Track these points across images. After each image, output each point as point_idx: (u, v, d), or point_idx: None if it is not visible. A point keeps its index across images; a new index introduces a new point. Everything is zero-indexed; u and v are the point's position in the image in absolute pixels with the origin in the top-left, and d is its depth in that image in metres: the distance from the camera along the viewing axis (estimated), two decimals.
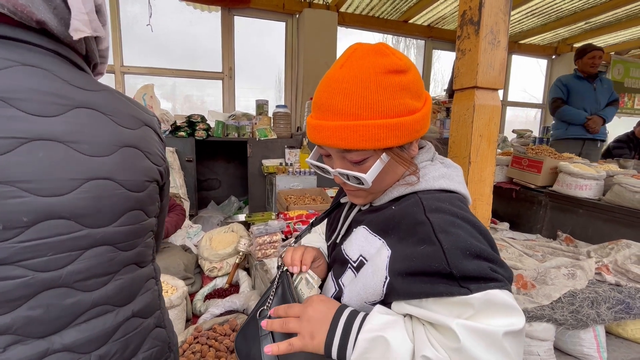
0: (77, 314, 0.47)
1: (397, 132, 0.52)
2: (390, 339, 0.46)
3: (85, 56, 0.53)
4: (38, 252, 0.43)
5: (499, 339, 0.41)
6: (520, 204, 2.59)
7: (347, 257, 0.60)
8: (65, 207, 0.44)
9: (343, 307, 0.53)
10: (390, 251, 0.52)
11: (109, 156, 0.48)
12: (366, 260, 0.56)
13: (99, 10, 0.51)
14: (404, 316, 0.51)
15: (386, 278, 0.50)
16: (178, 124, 2.82)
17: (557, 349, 1.33)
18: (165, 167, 0.61)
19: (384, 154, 0.54)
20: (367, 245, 0.57)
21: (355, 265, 0.58)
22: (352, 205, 0.69)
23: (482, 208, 0.84)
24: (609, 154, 4.03)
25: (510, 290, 0.45)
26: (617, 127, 4.94)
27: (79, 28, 0.45)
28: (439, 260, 0.45)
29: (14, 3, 0.42)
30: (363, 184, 0.54)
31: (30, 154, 0.41)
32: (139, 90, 2.78)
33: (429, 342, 0.44)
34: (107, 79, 3.20)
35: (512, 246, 1.86)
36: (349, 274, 0.59)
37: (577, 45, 4.52)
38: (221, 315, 1.41)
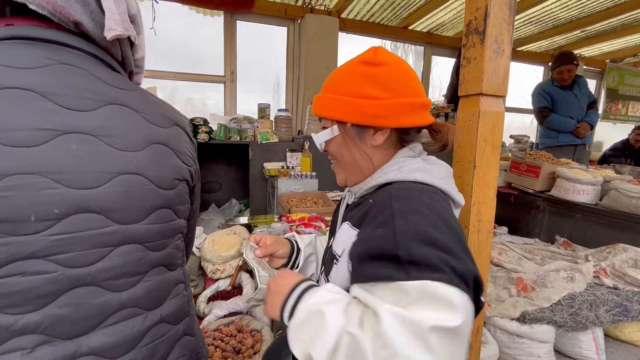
0: (106, 314, 0.47)
1: (347, 108, 0.61)
2: (327, 313, 0.46)
3: (121, 62, 0.55)
4: (68, 247, 0.43)
5: (423, 332, 0.38)
6: (518, 209, 2.63)
7: (334, 253, 0.64)
8: (96, 201, 0.44)
9: (301, 282, 0.54)
10: (355, 238, 0.56)
11: (140, 151, 0.48)
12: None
13: (133, 20, 0.53)
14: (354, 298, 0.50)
15: (349, 263, 0.55)
16: None
17: (556, 351, 1.35)
18: (196, 169, 0.61)
19: (335, 125, 0.65)
20: (347, 240, 0.59)
21: (339, 260, 0.62)
22: (346, 205, 0.74)
23: (486, 212, 0.86)
24: (605, 160, 4.09)
25: (458, 287, 0.41)
26: (613, 134, 5.02)
27: (112, 27, 0.47)
28: (389, 242, 0.45)
29: (54, 4, 0.44)
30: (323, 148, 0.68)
31: (64, 146, 0.42)
32: None
33: (358, 321, 0.43)
34: None
35: (512, 250, 1.89)
36: (334, 269, 0.63)
37: (575, 52, 4.60)
38: (225, 317, 1.42)
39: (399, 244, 0.45)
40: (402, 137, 0.65)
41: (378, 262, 0.46)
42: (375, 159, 0.65)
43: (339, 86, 0.64)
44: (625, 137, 4.22)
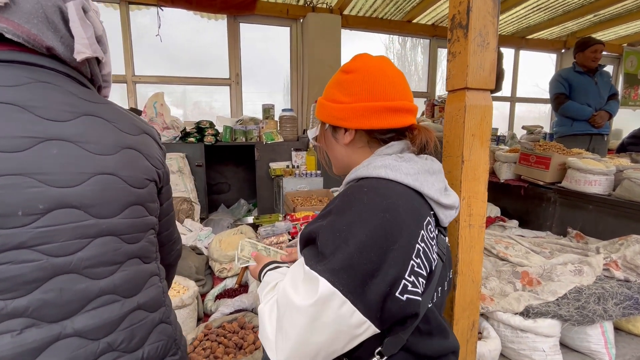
0: (87, 300, 0.52)
1: (324, 110, 0.71)
2: (269, 281, 0.68)
3: (90, 79, 0.61)
4: (52, 238, 0.48)
5: (289, 305, 0.52)
6: (529, 201, 2.56)
7: None
8: (75, 197, 0.50)
9: (264, 267, 0.76)
10: None
11: (113, 155, 0.55)
12: None
13: (99, 40, 0.59)
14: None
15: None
16: (187, 130, 2.91)
17: (564, 345, 1.32)
18: (164, 172, 0.67)
19: (320, 124, 0.75)
20: None
21: None
22: None
23: (477, 205, 0.86)
24: (623, 149, 3.92)
25: (329, 280, 0.49)
26: (632, 121, 4.82)
27: (81, 50, 0.53)
28: (316, 232, 0.56)
29: (28, 33, 0.50)
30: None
31: (45, 151, 0.48)
32: (150, 99, 2.88)
33: (283, 281, 0.60)
34: (119, 89, 3.33)
35: (519, 243, 1.85)
36: None
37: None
38: (230, 314, 1.46)
39: (320, 236, 0.55)
40: (375, 137, 0.67)
41: (308, 244, 0.59)
42: (354, 156, 0.70)
43: (325, 90, 0.74)
44: None
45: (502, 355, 1.25)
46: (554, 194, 2.35)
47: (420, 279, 0.53)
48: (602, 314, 1.26)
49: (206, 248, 2.13)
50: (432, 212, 0.62)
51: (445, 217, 0.64)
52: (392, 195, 0.56)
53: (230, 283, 1.79)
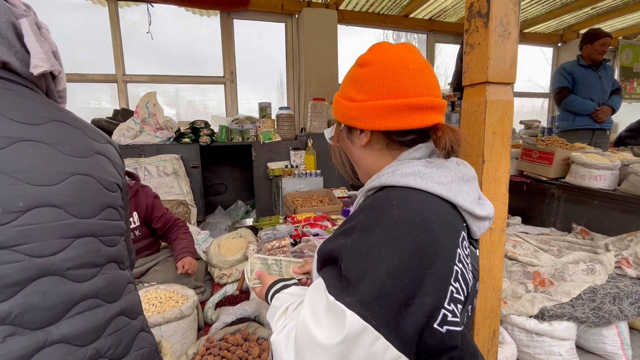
0: (72, 303, 0.50)
1: (337, 108, 0.66)
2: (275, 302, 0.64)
3: (46, 94, 0.61)
4: (33, 237, 0.47)
5: (312, 342, 0.46)
6: (532, 197, 2.53)
7: None
8: (55, 196, 0.50)
9: (270, 288, 0.70)
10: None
11: (86, 158, 0.56)
12: None
13: (55, 56, 0.59)
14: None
15: (317, 256, 0.58)
16: (182, 130, 2.82)
17: (578, 347, 1.29)
18: (125, 183, 0.68)
19: (336, 123, 0.69)
20: None
21: None
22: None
23: (498, 208, 0.81)
24: (621, 143, 3.92)
25: (359, 314, 0.43)
26: (628, 115, 4.82)
27: (38, 64, 0.54)
28: (339, 252, 0.50)
29: None
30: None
31: (21, 150, 0.48)
32: (142, 99, 2.78)
33: (295, 303, 0.58)
34: (109, 89, 3.22)
35: (527, 241, 1.81)
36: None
37: (584, 31, 4.41)
38: (233, 323, 1.39)
39: (344, 258, 0.48)
40: (393, 139, 0.60)
41: (329, 265, 0.52)
42: (371, 160, 0.64)
43: (341, 86, 0.67)
44: None
45: None
46: (558, 189, 2.31)
47: (459, 305, 0.47)
48: (618, 314, 1.23)
49: (204, 252, 2.06)
50: (464, 224, 0.55)
51: (479, 229, 0.57)
52: (426, 209, 0.49)
53: (231, 289, 1.73)
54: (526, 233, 2.14)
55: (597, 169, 2.07)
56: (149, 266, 1.64)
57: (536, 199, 2.51)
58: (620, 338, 1.25)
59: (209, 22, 3.41)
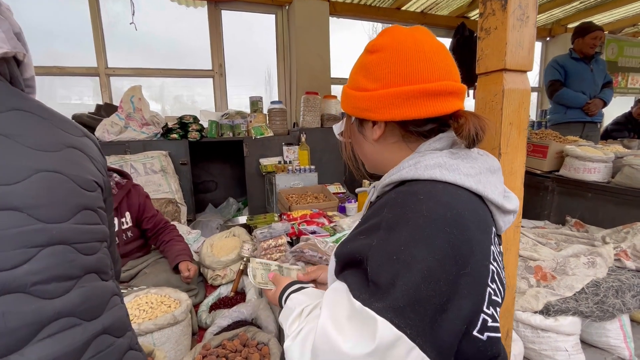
0: (40, 325, 0.42)
1: (346, 100, 0.60)
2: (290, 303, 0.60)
3: (10, 82, 0.52)
4: None
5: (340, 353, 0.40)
6: (526, 190, 2.49)
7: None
8: (17, 196, 0.42)
9: (285, 289, 0.65)
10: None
11: (55, 152, 0.48)
12: None
13: (18, 38, 0.51)
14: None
15: (334, 262, 0.53)
16: (169, 125, 2.71)
17: (582, 341, 1.28)
18: (107, 181, 0.60)
19: (346, 116, 0.64)
20: None
21: None
22: (370, 203, 0.67)
23: None
24: (607, 136, 3.99)
25: (388, 322, 0.38)
26: (611, 107, 4.92)
27: None
28: (363, 253, 0.45)
29: None
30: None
31: None
32: (126, 93, 2.65)
33: (310, 306, 0.54)
34: (91, 82, 3.07)
35: (525, 235, 1.80)
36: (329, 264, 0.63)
37: (572, 25, 4.45)
38: (229, 326, 1.33)
39: (370, 260, 0.44)
40: (410, 130, 0.55)
41: (352, 267, 0.48)
42: (386, 154, 0.59)
43: (349, 77, 0.62)
44: (626, 110, 4.12)
45: (524, 357, 1.18)
46: (552, 182, 2.32)
47: (498, 309, 0.42)
48: (621, 308, 1.22)
49: (196, 253, 1.98)
50: (492, 219, 0.51)
51: (504, 224, 0.53)
52: (457, 204, 0.44)
53: (225, 291, 1.66)
54: (522, 226, 2.13)
55: (591, 161, 2.08)
56: (139, 269, 1.56)
57: (530, 192, 2.52)
58: (623, 331, 1.24)
59: (196, 13, 3.28)
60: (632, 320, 1.40)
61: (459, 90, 0.53)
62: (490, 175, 0.51)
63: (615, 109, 4.46)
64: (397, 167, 0.54)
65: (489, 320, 0.41)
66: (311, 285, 0.67)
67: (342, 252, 0.50)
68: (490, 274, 0.43)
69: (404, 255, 0.40)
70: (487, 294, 0.42)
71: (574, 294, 1.24)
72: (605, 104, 2.78)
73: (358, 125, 0.60)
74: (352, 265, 0.47)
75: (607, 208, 2.01)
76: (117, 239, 1.51)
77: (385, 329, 0.37)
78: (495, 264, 0.45)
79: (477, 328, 0.40)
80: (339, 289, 0.46)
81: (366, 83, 0.55)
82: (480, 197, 0.49)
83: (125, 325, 0.56)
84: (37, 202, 0.43)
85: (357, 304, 0.41)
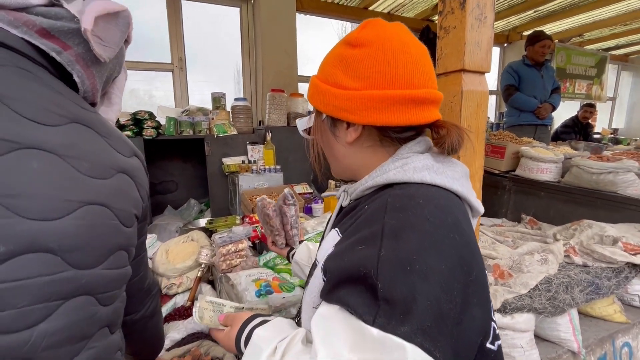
0: None
1: (320, 96, 0.53)
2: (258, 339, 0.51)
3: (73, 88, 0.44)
4: (8, 302, 0.31)
5: None
6: (485, 190, 2.60)
7: (316, 261, 0.56)
8: (53, 236, 0.34)
9: (245, 325, 0.56)
10: (333, 250, 0.48)
11: (107, 180, 0.40)
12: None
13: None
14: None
15: (323, 280, 0.45)
16: (122, 122, 2.50)
17: (535, 336, 1.33)
18: (146, 208, 0.51)
19: (314, 113, 0.58)
20: (330, 248, 0.51)
21: (317, 268, 0.54)
22: (340, 208, 0.62)
23: None
24: (557, 138, 4.30)
25: (419, 348, 0.33)
26: (560, 111, 5.31)
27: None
28: (370, 267, 0.37)
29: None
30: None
31: (22, 162, 0.33)
32: None
33: (285, 340, 0.46)
34: None
35: (484, 233, 1.86)
36: (311, 278, 0.55)
37: (527, 33, 4.73)
38: (183, 340, 1.24)
39: (380, 272, 0.36)
40: (388, 135, 0.51)
41: (352, 285, 0.39)
42: (359, 156, 0.54)
43: (321, 68, 0.56)
44: (573, 114, 4.45)
45: None
46: (509, 182, 2.44)
47: (494, 312, 0.42)
48: (570, 302, 1.28)
49: (150, 259, 1.84)
50: None
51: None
52: (452, 207, 0.43)
53: (181, 300, 1.55)
54: (481, 224, 2.21)
55: (543, 162, 2.20)
56: None
57: (489, 191, 2.63)
58: (572, 325, 1.30)
59: (153, 3, 3.07)
60: (579, 313, 1.49)
61: (438, 98, 0.51)
62: (466, 180, 0.51)
63: (564, 112, 4.81)
64: (380, 169, 0.50)
65: (496, 327, 0.40)
66: (273, 316, 0.59)
67: (338, 267, 0.42)
68: (487, 279, 0.43)
69: (419, 265, 0.36)
70: (490, 300, 0.41)
71: (529, 291, 1.28)
72: (554, 108, 2.97)
73: (330, 124, 0.55)
74: (351, 282, 0.40)
75: (557, 206, 2.14)
76: None
77: (417, 357, 0.32)
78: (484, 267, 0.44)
79: (490, 339, 0.38)
80: (331, 316, 0.39)
81: (346, 80, 0.50)
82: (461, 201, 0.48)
83: None
84: (75, 243, 0.36)
85: (374, 330, 0.34)
